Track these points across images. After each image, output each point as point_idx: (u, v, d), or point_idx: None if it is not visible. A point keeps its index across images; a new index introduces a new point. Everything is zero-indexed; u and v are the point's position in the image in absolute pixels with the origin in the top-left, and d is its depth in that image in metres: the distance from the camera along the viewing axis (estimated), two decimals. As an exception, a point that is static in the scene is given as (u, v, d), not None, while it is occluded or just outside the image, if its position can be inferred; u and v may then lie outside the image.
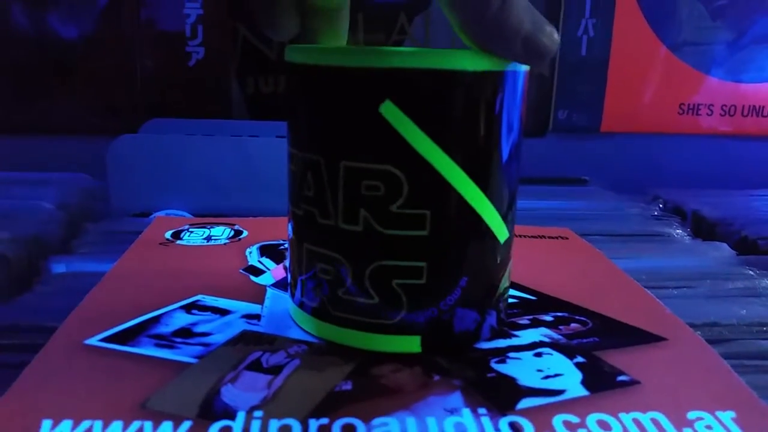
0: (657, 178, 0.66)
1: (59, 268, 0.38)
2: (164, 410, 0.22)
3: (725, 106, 0.69)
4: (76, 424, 0.21)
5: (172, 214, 0.49)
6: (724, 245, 0.46)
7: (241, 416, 0.22)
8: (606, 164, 0.67)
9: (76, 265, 0.38)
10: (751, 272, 0.41)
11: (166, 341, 0.27)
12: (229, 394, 0.23)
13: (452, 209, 0.25)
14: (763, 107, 0.70)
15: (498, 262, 0.28)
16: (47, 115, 0.63)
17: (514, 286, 0.32)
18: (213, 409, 0.22)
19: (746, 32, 0.67)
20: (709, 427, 0.22)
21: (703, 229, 0.52)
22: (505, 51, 0.24)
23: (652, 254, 0.44)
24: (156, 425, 0.21)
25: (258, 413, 0.22)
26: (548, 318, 0.30)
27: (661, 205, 0.58)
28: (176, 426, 0.21)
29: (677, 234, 0.50)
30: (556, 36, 0.24)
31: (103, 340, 0.27)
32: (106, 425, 0.21)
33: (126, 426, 0.21)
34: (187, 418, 0.22)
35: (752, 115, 0.70)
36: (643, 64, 0.67)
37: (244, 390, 0.23)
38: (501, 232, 0.27)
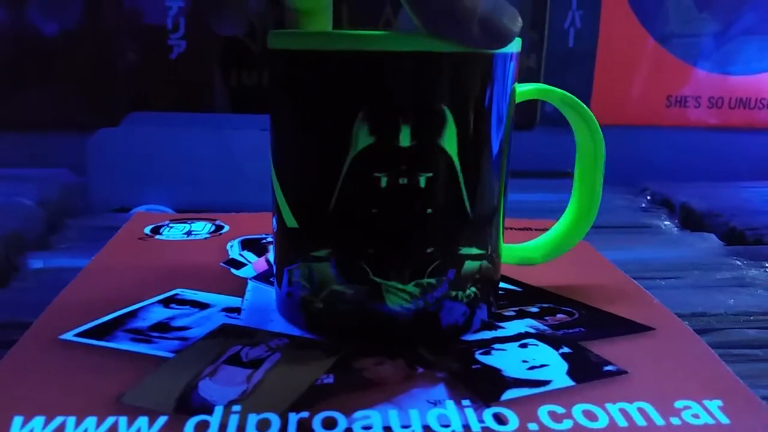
0: (645, 170, 0.66)
1: (36, 263, 0.37)
2: (140, 405, 0.22)
3: (713, 98, 0.69)
4: (48, 421, 0.21)
5: (153, 209, 0.48)
6: (712, 236, 0.46)
7: (218, 411, 0.21)
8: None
9: (53, 260, 0.38)
10: (738, 262, 0.40)
11: (142, 336, 0.26)
12: (206, 388, 0.23)
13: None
14: (751, 99, 0.70)
15: (287, 247, 0.27)
16: (26, 110, 0.62)
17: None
18: (190, 403, 0.22)
19: (733, 24, 0.67)
20: (696, 415, 0.22)
21: (692, 221, 0.52)
22: (461, 34, 0.23)
23: (639, 245, 0.44)
24: (131, 421, 0.21)
25: (236, 407, 0.22)
26: (534, 309, 0.30)
27: (648, 197, 0.57)
28: (152, 421, 0.21)
29: (665, 225, 0.49)
30: (519, 19, 0.23)
31: (78, 335, 0.26)
32: (79, 421, 0.21)
33: (100, 421, 0.21)
34: (163, 413, 0.21)
35: (740, 108, 0.70)
36: (631, 56, 0.67)
37: (222, 384, 0.23)
38: (287, 216, 0.26)
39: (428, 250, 0.25)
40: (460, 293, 0.26)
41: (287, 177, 0.26)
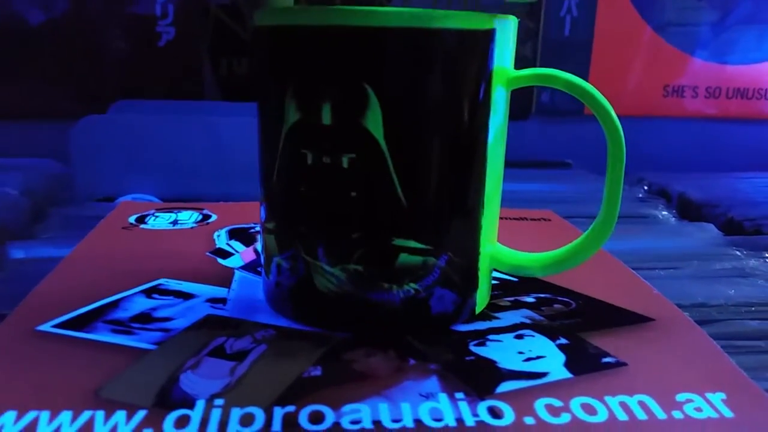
0: (642, 161, 0.65)
1: (18, 253, 0.36)
2: (118, 399, 0.21)
3: (710, 88, 0.69)
4: (20, 416, 0.20)
5: (139, 198, 0.47)
6: (711, 226, 0.45)
7: (200, 405, 0.20)
8: (590, 147, 0.66)
9: (35, 250, 0.37)
10: (738, 253, 0.40)
11: (123, 327, 0.25)
12: (188, 381, 0.22)
13: None
14: (748, 89, 0.69)
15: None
16: (13, 98, 0.61)
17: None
18: (170, 397, 0.21)
19: (731, 13, 0.67)
20: (698, 409, 0.21)
21: (689, 211, 0.52)
22: None
23: (637, 236, 0.43)
24: (108, 415, 0.20)
25: (219, 401, 0.21)
26: (530, 299, 0.29)
27: (645, 188, 0.57)
28: (130, 415, 0.20)
29: (662, 215, 0.49)
30: None
31: (56, 326, 0.25)
32: (53, 416, 0.20)
33: (75, 416, 0.20)
34: (142, 407, 0.20)
35: (737, 98, 0.69)
36: (628, 45, 0.66)
37: (205, 377, 0.22)
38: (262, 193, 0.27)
39: (354, 235, 0.24)
40: (394, 287, 0.25)
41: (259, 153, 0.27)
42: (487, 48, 0.24)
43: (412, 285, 0.25)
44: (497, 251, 0.27)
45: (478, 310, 0.27)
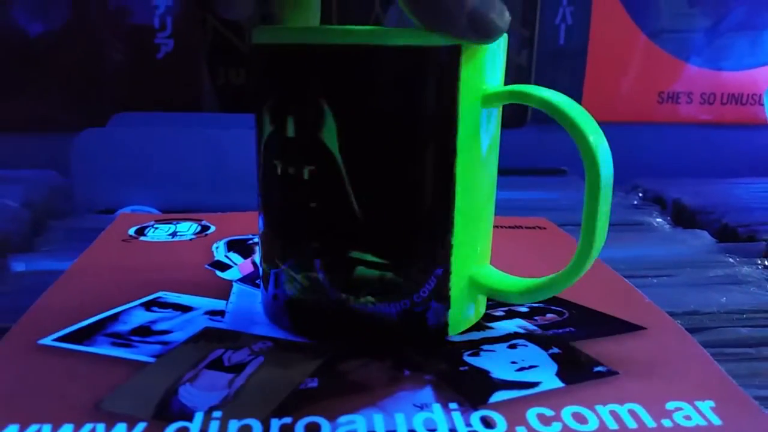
0: (637, 167, 0.66)
1: (18, 266, 0.36)
2: (118, 411, 0.21)
3: (705, 94, 0.69)
4: (22, 429, 0.20)
5: (138, 210, 0.47)
6: (705, 233, 0.46)
7: (198, 417, 0.21)
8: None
9: (36, 263, 0.37)
10: (731, 260, 0.40)
11: (123, 340, 0.26)
12: (187, 394, 0.22)
13: None
14: (743, 95, 0.69)
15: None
16: (13, 111, 0.61)
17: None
18: (170, 409, 0.21)
19: (725, 19, 0.67)
20: (688, 417, 0.21)
21: (684, 218, 0.52)
22: (449, 27, 0.22)
23: (631, 243, 0.43)
24: (109, 427, 0.20)
25: (217, 413, 0.21)
26: (523, 309, 0.29)
27: (640, 194, 0.57)
28: (130, 428, 0.20)
29: (657, 222, 0.49)
30: (507, 14, 0.23)
31: (58, 339, 0.26)
32: (55, 429, 0.20)
33: (77, 428, 0.20)
34: (142, 420, 0.21)
35: (732, 103, 0.69)
36: (622, 52, 0.67)
37: (203, 389, 0.22)
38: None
39: (313, 245, 0.25)
40: (351, 298, 0.25)
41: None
42: (449, 65, 0.23)
43: (369, 299, 0.25)
44: (478, 272, 0.26)
45: (455, 331, 0.26)
